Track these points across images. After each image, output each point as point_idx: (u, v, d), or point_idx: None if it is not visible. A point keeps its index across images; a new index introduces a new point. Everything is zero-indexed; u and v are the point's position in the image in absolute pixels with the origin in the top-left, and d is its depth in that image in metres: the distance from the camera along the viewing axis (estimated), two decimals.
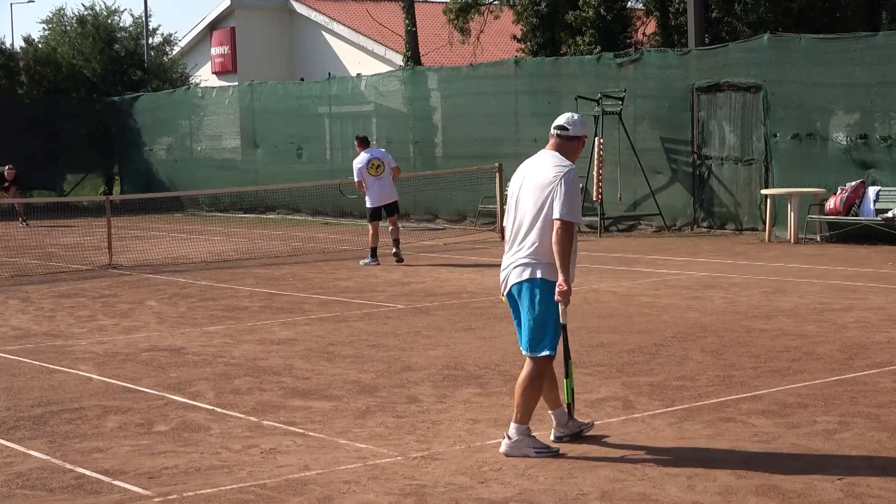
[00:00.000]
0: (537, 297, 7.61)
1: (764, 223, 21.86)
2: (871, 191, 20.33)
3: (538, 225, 7.54)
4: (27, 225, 29.16)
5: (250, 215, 31.72)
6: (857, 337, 11.55)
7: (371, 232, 19.24)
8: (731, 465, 7.26)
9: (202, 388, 9.94)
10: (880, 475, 6.97)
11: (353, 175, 19.59)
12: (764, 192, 21.93)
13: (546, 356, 7.68)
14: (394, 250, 19.22)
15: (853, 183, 20.50)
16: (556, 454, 7.55)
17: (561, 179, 7.49)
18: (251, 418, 8.81)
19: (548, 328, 7.66)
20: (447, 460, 7.52)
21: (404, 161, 28.94)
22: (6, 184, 30.26)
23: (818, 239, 21.00)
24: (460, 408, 8.99)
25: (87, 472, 7.43)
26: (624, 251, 20.28)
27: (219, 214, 32.59)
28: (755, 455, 7.46)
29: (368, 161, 19.16)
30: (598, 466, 7.29)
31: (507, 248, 7.80)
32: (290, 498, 6.81)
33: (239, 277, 17.97)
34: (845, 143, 21.12)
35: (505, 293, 7.83)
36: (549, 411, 7.96)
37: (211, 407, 9.21)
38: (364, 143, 19.65)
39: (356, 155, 19.47)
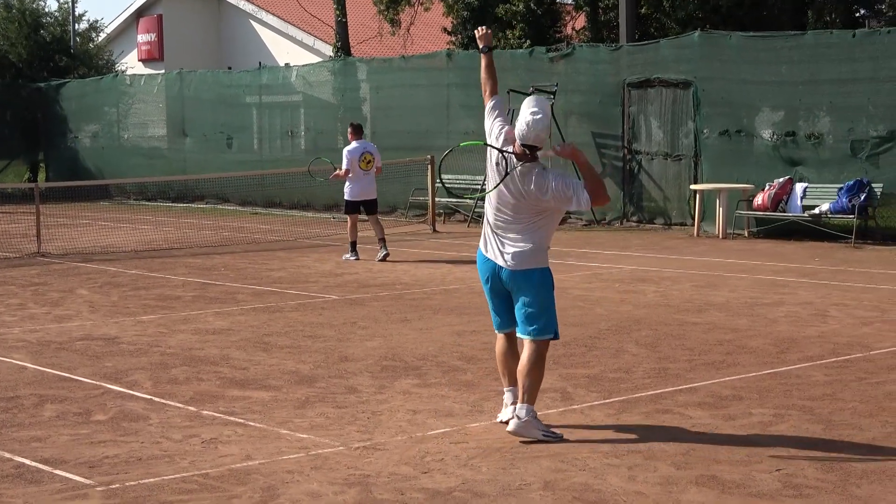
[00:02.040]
0: (547, 281, 7.95)
1: (693, 218, 22.09)
2: (799, 187, 20.60)
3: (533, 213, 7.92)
4: None
5: (179, 204, 31.49)
6: (787, 331, 11.73)
7: (349, 225, 18.65)
8: (671, 455, 7.36)
9: (139, 377, 9.89)
10: (816, 466, 7.10)
11: (325, 158, 19.11)
12: (693, 187, 22.15)
13: (551, 339, 7.97)
14: (383, 252, 18.24)
15: (781, 179, 20.77)
16: (560, 440, 7.74)
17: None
18: (190, 408, 8.78)
19: (553, 312, 7.98)
20: (389, 450, 7.55)
21: (334, 152, 28.83)
22: None
23: (746, 234, 21.26)
24: (400, 398, 9.02)
25: (27, 462, 7.37)
26: (554, 244, 20.20)
27: (146, 203, 32.34)
28: (693, 446, 7.56)
29: (362, 154, 18.48)
30: (540, 457, 7.35)
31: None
32: (233, 487, 6.81)
33: (170, 267, 17.85)
34: (773, 140, 21.40)
35: (489, 276, 8.00)
36: (509, 388, 8.12)
37: (149, 396, 9.17)
38: (358, 131, 18.93)
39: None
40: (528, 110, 7.75)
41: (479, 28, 8.51)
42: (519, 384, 7.87)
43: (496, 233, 7.96)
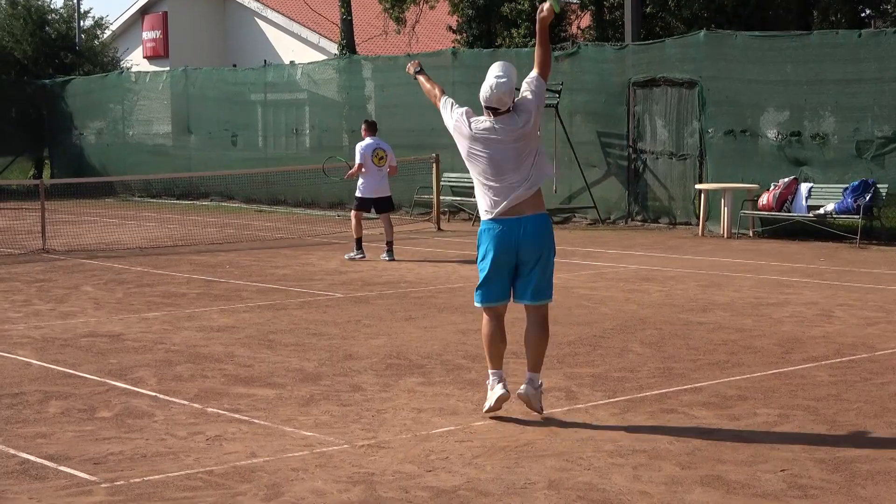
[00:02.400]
0: (553, 243, 8.40)
1: (697, 218, 22.08)
2: (804, 187, 20.60)
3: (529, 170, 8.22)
4: None
5: (183, 202, 31.48)
6: (792, 331, 11.72)
7: (354, 223, 18.29)
8: (675, 455, 7.35)
9: (144, 374, 9.89)
10: (821, 467, 7.09)
11: (339, 157, 18.88)
12: (698, 186, 22.14)
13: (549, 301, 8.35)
14: (388, 257, 18.14)
15: (786, 179, 20.77)
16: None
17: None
18: (195, 405, 8.78)
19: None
20: (394, 449, 7.55)
21: (338, 150, 28.92)
22: None
23: (750, 234, 21.27)
24: (404, 397, 9.02)
25: (32, 458, 7.37)
26: (559, 244, 20.17)
27: (151, 200, 32.35)
28: (698, 446, 7.56)
29: (374, 150, 18.20)
30: (545, 456, 7.35)
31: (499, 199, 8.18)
32: (238, 485, 6.81)
33: (175, 264, 17.86)
34: (778, 139, 21.39)
35: (502, 241, 8.12)
36: (496, 371, 8.29)
37: (153, 393, 9.17)
38: (373, 128, 18.57)
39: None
40: (492, 74, 8.17)
41: (408, 66, 9.31)
42: (532, 353, 8.20)
43: (509, 192, 8.11)
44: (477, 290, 8.30)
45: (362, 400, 8.92)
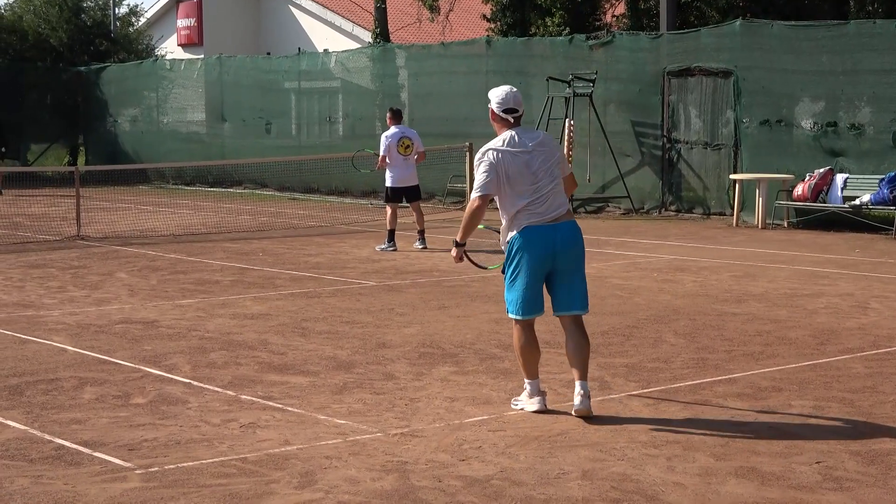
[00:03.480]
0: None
1: (732, 208, 21.99)
2: (839, 178, 20.48)
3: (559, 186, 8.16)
4: (1, 194, 28.54)
5: (217, 189, 31.59)
6: (827, 322, 11.65)
7: (389, 214, 18.04)
8: (710, 446, 7.32)
9: (178, 361, 9.93)
10: (857, 459, 7.05)
11: (368, 148, 18.66)
12: (732, 177, 22.05)
13: None
14: (421, 245, 18.12)
15: (821, 170, 20.65)
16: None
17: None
18: (228, 392, 8.80)
19: None
20: (427, 437, 7.55)
21: (372, 139, 28.93)
22: None
23: (785, 225, 21.16)
24: (437, 385, 9.02)
25: (67, 444, 7.41)
26: (593, 233, 20.32)
27: (184, 187, 32.47)
28: (733, 437, 7.53)
29: (400, 138, 17.99)
30: (578, 446, 7.33)
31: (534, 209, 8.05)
32: (271, 472, 6.82)
33: (208, 251, 17.92)
34: (814, 130, 21.26)
35: (543, 250, 8.00)
36: (535, 380, 8.21)
37: (187, 380, 9.20)
38: (398, 116, 18.40)
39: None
40: (499, 88, 8.26)
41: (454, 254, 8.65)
42: (581, 361, 8.03)
43: (546, 198, 8.03)
44: (514, 302, 8.12)
45: (395, 388, 8.92)
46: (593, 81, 23.69)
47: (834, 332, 11.13)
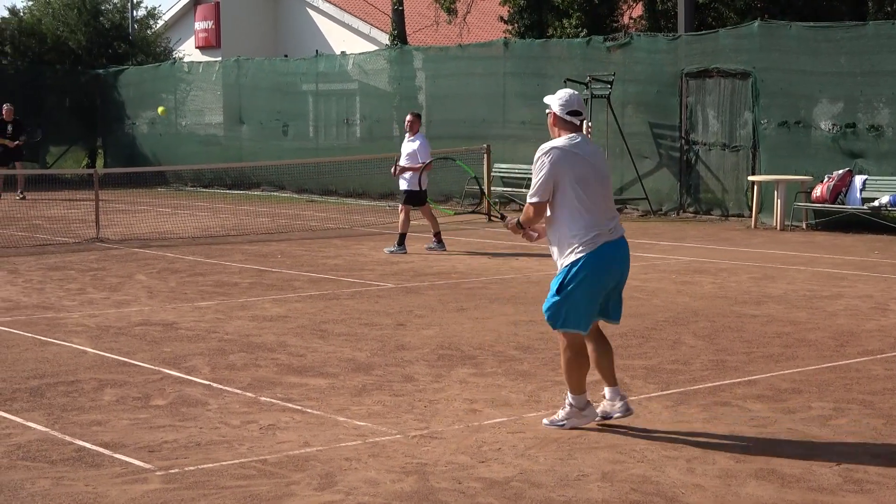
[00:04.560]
0: None
1: (750, 209, 21.95)
2: (858, 179, 20.43)
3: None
4: (24, 198, 28.51)
5: (235, 191, 31.64)
6: (847, 324, 11.63)
7: (403, 217, 17.93)
8: (729, 448, 7.31)
9: (197, 363, 9.95)
10: (877, 462, 7.03)
11: (400, 157, 18.22)
12: (751, 178, 22.02)
13: None
14: (438, 244, 18.11)
15: (840, 171, 20.61)
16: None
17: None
18: (248, 394, 8.82)
19: None
20: (446, 439, 7.55)
21: (389, 140, 28.98)
22: (7, 130, 28.99)
23: (804, 226, 21.11)
24: (456, 387, 9.02)
25: (87, 445, 7.43)
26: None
27: (203, 190, 32.53)
28: (752, 439, 7.52)
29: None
30: (598, 448, 7.33)
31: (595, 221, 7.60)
32: (291, 474, 6.83)
33: (227, 253, 17.95)
34: (833, 131, 21.21)
35: (610, 265, 7.66)
36: (581, 395, 7.84)
37: (207, 382, 9.23)
38: (420, 121, 18.52)
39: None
40: (559, 91, 7.86)
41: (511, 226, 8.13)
42: (611, 366, 7.87)
43: (611, 212, 7.73)
44: (570, 315, 7.56)
45: (414, 390, 8.93)
46: (611, 83, 23.67)
47: (853, 334, 11.10)
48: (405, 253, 17.83)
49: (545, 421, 7.87)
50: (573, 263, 7.52)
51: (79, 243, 19.45)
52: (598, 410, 7.85)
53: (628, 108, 24.27)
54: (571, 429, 7.73)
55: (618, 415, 7.79)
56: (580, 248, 7.50)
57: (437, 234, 18.18)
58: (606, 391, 7.87)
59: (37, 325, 11.80)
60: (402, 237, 18.01)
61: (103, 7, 39.96)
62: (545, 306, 7.70)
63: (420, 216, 18.61)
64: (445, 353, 10.31)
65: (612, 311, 7.87)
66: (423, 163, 17.75)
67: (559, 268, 7.65)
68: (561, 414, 7.82)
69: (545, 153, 7.56)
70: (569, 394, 7.79)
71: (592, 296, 7.60)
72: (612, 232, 7.61)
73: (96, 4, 39.46)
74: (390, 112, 29.32)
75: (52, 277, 15.34)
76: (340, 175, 29.38)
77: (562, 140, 7.61)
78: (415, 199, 18.00)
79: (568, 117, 7.64)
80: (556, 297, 7.58)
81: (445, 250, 17.98)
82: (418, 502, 6.34)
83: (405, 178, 18.05)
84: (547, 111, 7.75)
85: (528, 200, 7.68)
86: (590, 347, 7.82)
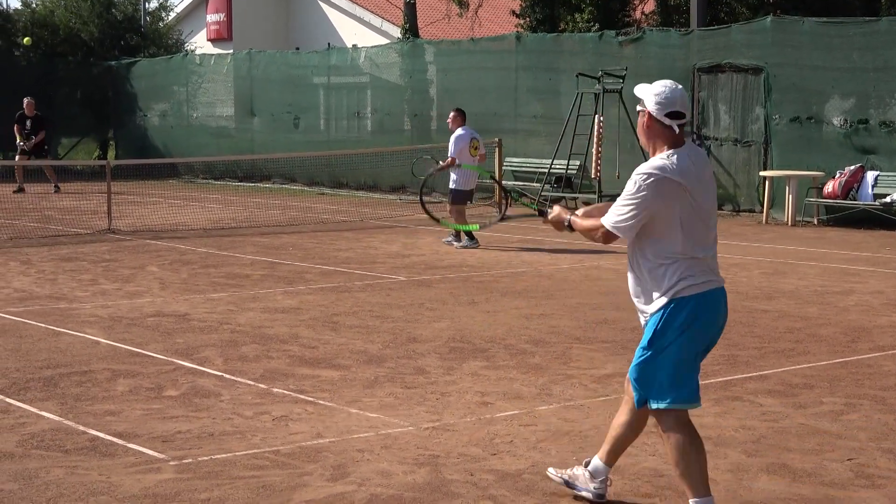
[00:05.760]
0: None
1: (761, 205, 21.94)
2: (870, 175, 20.41)
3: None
4: (58, 190, 28.34)
5: (246, 184, 31.69)
6: (858, 320, 11.63)
7: (458, 217, 17.46)
8: (741, 443, 7.33)
9: (210, 354, 9.98)
10: (889, 457, 7.04)
11: (427, 155, 17.88)
12: (762, 174, 22.00)
13: None
14: (456, 238, 17.81)
15: (852, 167, 20.59)
16: None
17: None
18: (260, 385, 8.85)
19: None
20: (458, 431, 7.57)
21: (400, 134, 29.02)
22: (26, 124, 28.69)
23: (815, 222, 21.10)
24: (468, 380, 9.04)
25: (101, 435, 7.46)
26: None
27: (214, 182, 32.57)
28: (764, 434, 7.53)
29: (471, 139, 17.57)
30: None
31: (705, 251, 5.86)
32: (304, 465, 6.86)
33: (239, 245, 17.98)
34: (845, 127, 21.19)
35: (716, 321, 5.95)
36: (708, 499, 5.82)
37: (219, 373, 9.25)
38: (464, 117, 17.89)
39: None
40: (657, 83, 5.88)
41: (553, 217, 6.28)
42: (624, 448, 6.30)
43: (714, 248, 5.94)
44: (674, 386, 5.80)
45: (426, 383, 8.95)
46: (623, 78, 23.64)
47: (865, 330, 11.11)
48: (477, 246, 17.50)
49: None
50: (666, 312, 5.79)
51: (91, 234, 19.49)
52: (570, 472, 6.38)
53: (640, 103, 24.19)
54: None
55: (585, 493, 6.28)
56: (678, 294, 5.77)
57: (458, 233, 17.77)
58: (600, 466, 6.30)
59: (50, 315, 11.83)
60: (468, 233, 17.54)
61: None
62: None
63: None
64: (457, 346, 10.33)
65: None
66: (451, 158, 17.54)
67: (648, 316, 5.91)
68: None
69: (643, 178, 5.68)
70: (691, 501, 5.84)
71: (693, 359, 5.91)
72: (716, 274, 5.91)
73: None
74: (401, 105, 29.33)
75: (65, 268, 15.38)
76: (351, 168, 29.42)
77: (664, 163, 5.70)
78: (457, 197, 17.65)
79: (667, 120, 5.75)
80: (651, 362, 5.86)
81: (455, 247, 17.77)
82: (430, 494, 6.36)
83: (472, 174, 17.71)
84: (638, 109, 5.92)
85: (604, 223, 5.84)
86: (625, 419, 6.20)
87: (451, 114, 18.12)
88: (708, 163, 5.95)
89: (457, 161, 17.47)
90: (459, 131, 17.69)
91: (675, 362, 5.79)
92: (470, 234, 17.68)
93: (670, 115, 5.74)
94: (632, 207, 5.70)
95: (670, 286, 5.75)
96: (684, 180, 5.67)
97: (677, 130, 5.76)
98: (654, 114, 5.76)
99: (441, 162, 18.28)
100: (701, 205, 5.75)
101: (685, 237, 5.71)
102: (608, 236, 5.85)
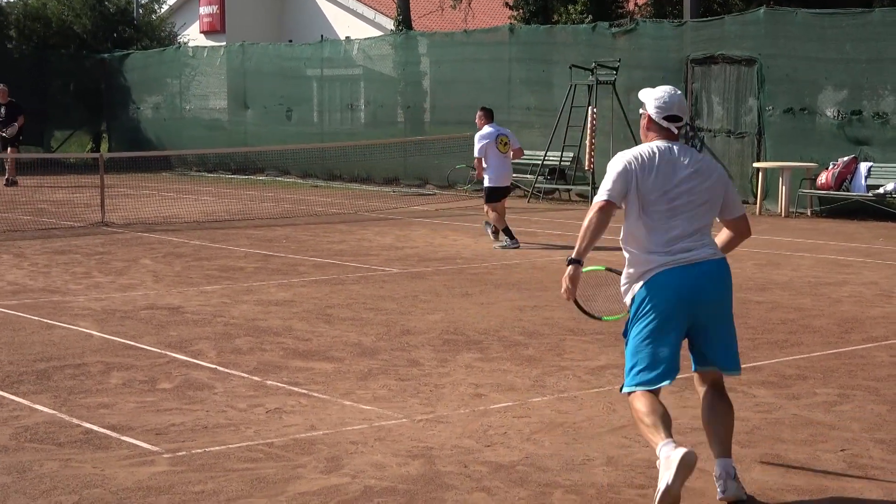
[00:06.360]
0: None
1: (755, 196, 21.96)
2: (863, 166, 20.44)
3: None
4: (13, 184, 27.80)
5: (239, 176, 31.67)
6: (851, 311, 11.65)
7: (493, 216, 17.05)
8: (735, 434, 7.26)
9: (203, 346, 9.97)
10: (882, 447, 7.06)
11: (461, 164, 17.26)
12: (756, 165, 22.02)
13: None
14: (512, 241, 16.92)
15: (845, 158, 20.62)
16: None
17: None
18: (254, 378, 8.85)
19: None
20: (452, 423, 7.58)
21: (393, 126, 29.01)
22: (1, 112, 28.27)
23: (809, 213, 21.13)
24: (462, 372, 9.04)
25: (95, 428, 7.46)
26: (615, 220, 20.25)
27: (207, 174, 32.56)
28: (758, 425, 7.54)
29: (497, 136, 17.11)
30: (603, 433, 7.36)
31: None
32: (298, 457, 6.86)
33: (232, 238, 17.97)
34: (838, 118, 21.20)
35: (674, 296, 6.18)
36: (667, 441, 5.99)
37: (213, 366, 9.25)
38: (490, 115, 17.51)
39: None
40: (658, 88, 6.37)
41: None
42: (725, 436, 6.28)
43: (688, 237, 6.19)
44: (634, 370, 6.26)
45: (420, 375, 8.95)
46: (616, 69, 23.66)
47: (858, 321, 11.12)
48: (518, 246, 16.70)
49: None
50: (634, 299, 6.28)
51: (84, 227, 19.47)
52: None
53: (633, 94, 24.07)
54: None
55: (722, 495, 6.17)
56: (640, 281, 6.24)
57: (506, 230, 17.05)
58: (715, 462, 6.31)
59: (43, 308, 11.82)
60: (507, 231, 16.98)
61: None
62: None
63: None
64: (451, 338, 10.33)
65: (705, 353, 6.48)
66: (476, 159, 17.25)
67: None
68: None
69: (617, 160, 6.25)
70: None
71: (662, 332, 6.22)
72: (683, 254, 6.17)
73: None
74: (395, 97, 29.33)
75: (58, 261, 15.37)
76: (345, 160, 29.42)
77: (640, 148, 6.25)
78: (492, 195, 17.19)
79: (664, 122, 6.23)
80: (629, 349, 6.32)
81: (519, 246, 16.85)
82: (424, 485, 6.36)
83: (508, 170, 17.38)
84: (641, 111, 6.39)
85: (595, 199, 6.29)
86: (703, 405, 6.50)
87: (478, 112, 17.67)
88: (694, 163, 6.23)
89: (483, 160, 17.07)
90: (486, 129, 17.25)
91: (640, 348, 6.22)
92: (510, 234, 16.94)
93: (668, 118, 6.23)
94: (609, 178, 6.22)
95: (632, 280, 6.28)
96: (639, 166, 6.16)
97: (675, 132, 6.26)
98: (654, 116, 6.25)
99: (474, 170, 17.91)
100: (660, 196, 6.15)
101: (644, 213, 6.19)
102: (598, 206, 6.22)
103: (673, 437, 5.97)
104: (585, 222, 6.25)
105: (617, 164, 6.22)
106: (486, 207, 17.33)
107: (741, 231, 6.54)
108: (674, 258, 6.14)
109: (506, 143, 17.19)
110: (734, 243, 6.58)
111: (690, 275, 6.16)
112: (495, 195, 17.17)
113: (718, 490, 6.18)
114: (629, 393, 6.21)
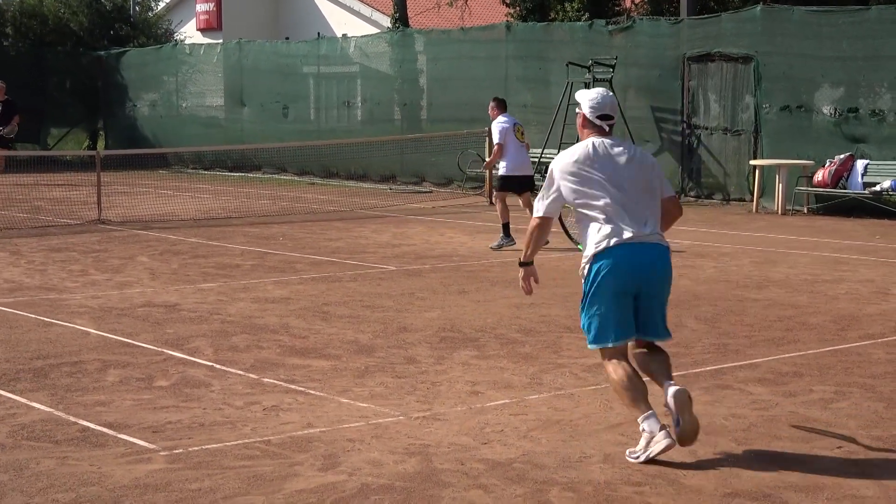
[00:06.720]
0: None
1: (752, 194, 21.97)
2: (860, 164, 20.44)
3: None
4: None
5: (236, 174, 31.66)
6: (848, 308, 11.66)
7: (500, 207, 16.53)
8: (731, 431, 7.34)
9: (200, 344, 9.98)
10: (879, 445, 7.06)
11: (472, 150, 16.85)
12: (752, 162, 22.02)
13: None
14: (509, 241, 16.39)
15: (842, 156, 20.62)
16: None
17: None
18: (251, 375, 8.85)
19: None
20: (449, 421, 7.58)
21: (390, 123, 29.00)
22: None
23: (805, 211, 21.13)
24: (459, 369, 9.05)
25: (91, 425, 7.46)
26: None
27: (204, 172, 32.53)
28: (754, 422, 7.55)
29: (514, 124, 16.67)
30: (600, 430, 7.36)
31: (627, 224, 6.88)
32: (295, 455, 6.86)
33: (229, 236, 17.97)
34: (835, 115, 21.21)
35: (626, 270, 6.87)
36: (649, 413, 6.80)
37: (210, 363, 9.25)
38: (503, 105, 17.03)
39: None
40: (592, 90, 7.19)
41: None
42: (666, 371, 7.02)
43: (636, 217, 6.89)
44: (597, 327, 6.97)
45: (417, 372, 8.96)
46: (613, 67, 23.66)
47: (855, 318, 11.13)
48: (514, 245, 16.03)
49: (628, 453, 6.80)
50: (588, 267, 6.94)
51: (81, 225, 19.47)
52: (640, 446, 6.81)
53: (630, 91, 24.25)
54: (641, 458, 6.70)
55: (670, 396, 6.87)
56: (592, 250, 6.92)
57: (505, 226, 16.53)
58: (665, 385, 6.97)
59: (39, 306, 11.82)
60: (506, 227, 16.43)
61: None
62: None
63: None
64: (447, 336, 10.33)
65: (642, 323, 7.05)
66: (497, 145, 16.75)
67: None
68: (639, 444, 6.78)
69: (551, 169, 7.03)
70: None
71: (617, 300, 6.90)
72: (635, 232, 6.88)
73: None
74: (391, 95, 29.31)
75: (55, 259, 15.36)
76: (342, 157, 29.40)
77: (571, 151, 7.01)
78: (505, 183, 16.79)
79: (597, 121, 7.01)
80: (583, 311, 7.05)
81: (515, 244, 16.23)
82: (421, 483, 6.37)
83: (525, 159, 16.97)
84: (577, 111, 7.17)
85: (534, 212, 7.12)
86: (640, 362, 7.13)
87: (491, 103, 17.27)
88: (636, 151, 7.07)
89: (503, 147, 16.61)
90: (501, 118, 16.86)
91: (595, 309, 6.93)
92: (507, 231, 16.42)
93: (601, 118, 7.03)
94: (547, 189, 7.01)
95: (586, 248, 6.94)
96: (576, 167, 6.90)
97: (607, 129, 7.04)
98: (588, 115, 7.06)
99: (486, 159, 17.80)
100: (603, 186, 6.84)
101: (590, 200, 6.86)
102: (537, 220, 7.07)
103: (651, 406, 6.77)
104: (527, 235, 7.13)
105: (554, 171, 6.99)
106: (495, 196, 17.02)
107: (673, 211, 7.23)
108: (621, 239, 6.83)
109: (522, 132, 16.88)
110: (668, 222, 7.23)
111: (640, 253, 6.88)
112: (509, 184, 16.73)
113: (668, 393, 6.83)
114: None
